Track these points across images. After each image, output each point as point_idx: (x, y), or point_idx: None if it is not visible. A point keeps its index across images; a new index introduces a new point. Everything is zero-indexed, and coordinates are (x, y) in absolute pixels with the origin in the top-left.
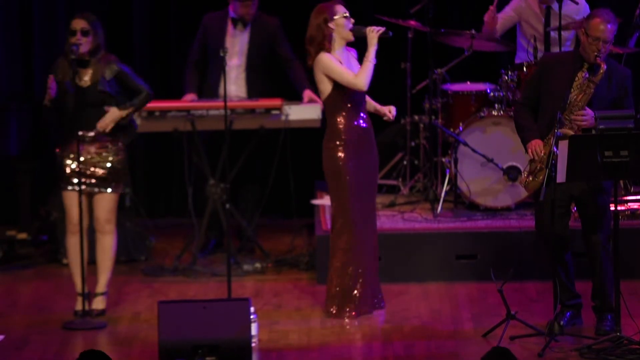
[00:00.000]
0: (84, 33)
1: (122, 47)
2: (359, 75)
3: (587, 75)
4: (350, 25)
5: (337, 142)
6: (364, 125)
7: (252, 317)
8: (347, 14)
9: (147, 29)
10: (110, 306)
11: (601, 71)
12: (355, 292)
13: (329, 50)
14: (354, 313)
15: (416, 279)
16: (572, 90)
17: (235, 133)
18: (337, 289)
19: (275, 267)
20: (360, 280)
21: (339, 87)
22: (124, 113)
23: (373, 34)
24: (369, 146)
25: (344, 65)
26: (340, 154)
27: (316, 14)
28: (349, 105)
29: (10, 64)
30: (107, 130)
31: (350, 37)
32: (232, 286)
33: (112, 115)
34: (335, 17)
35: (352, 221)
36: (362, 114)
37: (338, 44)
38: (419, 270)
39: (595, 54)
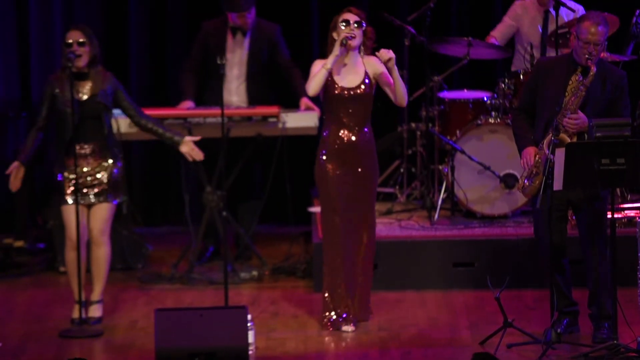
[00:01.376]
0: (80, 44)
1: (119, 55)
2: (309, 80)
3: (581, 79)
4: (346, 30)
5: (323, 151)
6: (355, 137)
7: (249, 324)
8: (346, 21)
9: (144, 36)
10: (107, 314)
11: (591, 74)
12: (328, 301)
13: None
14: (327, 323)
15: (413, 286)
16: (566, 94)
17: (232, 141)
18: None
19: (272, 274)
20: (328, 293)
21: (325, 96)
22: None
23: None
24: (358, 159)
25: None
26: (323, 163)
27: None
28: (336, 116)
29: (8, 73)
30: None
31: (352, 46)
32: (229, 294)
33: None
34: (338, 25)
35: (327, 230)
36: (352, 126)
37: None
38: (416, 278)
39: (587, 57)
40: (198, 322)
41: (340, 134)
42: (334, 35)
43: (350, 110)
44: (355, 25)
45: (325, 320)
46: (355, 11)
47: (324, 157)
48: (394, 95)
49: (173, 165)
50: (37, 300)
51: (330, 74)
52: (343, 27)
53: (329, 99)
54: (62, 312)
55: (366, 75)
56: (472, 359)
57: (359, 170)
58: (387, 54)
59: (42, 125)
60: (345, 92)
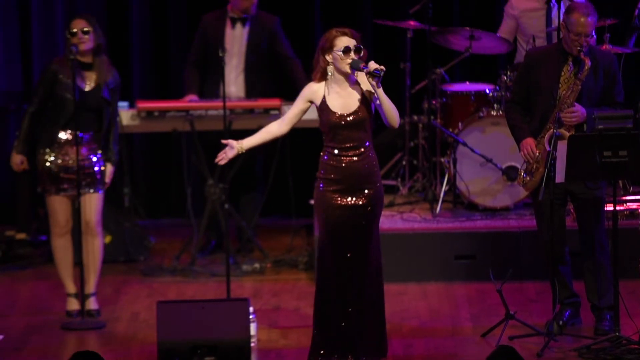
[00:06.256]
0: (85, 32)
1: (121, 48)
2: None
3: (572, 68)
4: (346, 58)
5: (318, 175)
6: (356, 159)
7: (251, 317)
8: (346, 48)
9: (146, 29)
10: (109, 306)
11: (586, 68)
12: (313, 338)
13: (317, 80)
14: None
15: (415, 279)
16: (560, 85)
17: (234, 133)
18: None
19: (274, 267)
20: (317, 329)
21: (323, 122)
22: (113, 167)
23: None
24: (360, 184)
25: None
26: (317, 188)
27: (322, 37)
28: (328, 141)
29: (10, 66)
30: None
31: (348, 72)
32: (231, 286)
33: (109, 171)
34: (335, 51)
35: (318, 260)
36: (353, 148)
37: (337, 77)
38: (417, 270)
39: (579, 48)
40: (200, 315)
41: (340, 158)
42: (327, 58)
43: (350, 135)
44: (355, 51)
45: None
46: (351, 33)
47: (323, 184)
48: (383, 115)
49: (175, 158)
50: (39, 293)
51: (325, 101)
52: (342, 55)
53: (328, 126)
54: (64, 304)
55: (363, 96)
56: (495, 351)
57: (361, 196)
58: (374, 64)
59: (37, 109)
60: (345, 118)
